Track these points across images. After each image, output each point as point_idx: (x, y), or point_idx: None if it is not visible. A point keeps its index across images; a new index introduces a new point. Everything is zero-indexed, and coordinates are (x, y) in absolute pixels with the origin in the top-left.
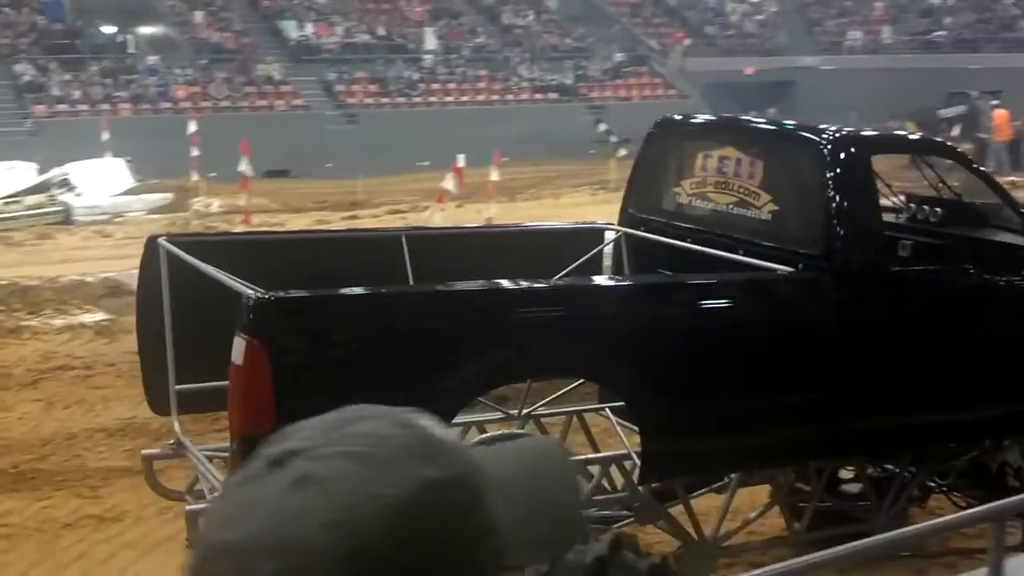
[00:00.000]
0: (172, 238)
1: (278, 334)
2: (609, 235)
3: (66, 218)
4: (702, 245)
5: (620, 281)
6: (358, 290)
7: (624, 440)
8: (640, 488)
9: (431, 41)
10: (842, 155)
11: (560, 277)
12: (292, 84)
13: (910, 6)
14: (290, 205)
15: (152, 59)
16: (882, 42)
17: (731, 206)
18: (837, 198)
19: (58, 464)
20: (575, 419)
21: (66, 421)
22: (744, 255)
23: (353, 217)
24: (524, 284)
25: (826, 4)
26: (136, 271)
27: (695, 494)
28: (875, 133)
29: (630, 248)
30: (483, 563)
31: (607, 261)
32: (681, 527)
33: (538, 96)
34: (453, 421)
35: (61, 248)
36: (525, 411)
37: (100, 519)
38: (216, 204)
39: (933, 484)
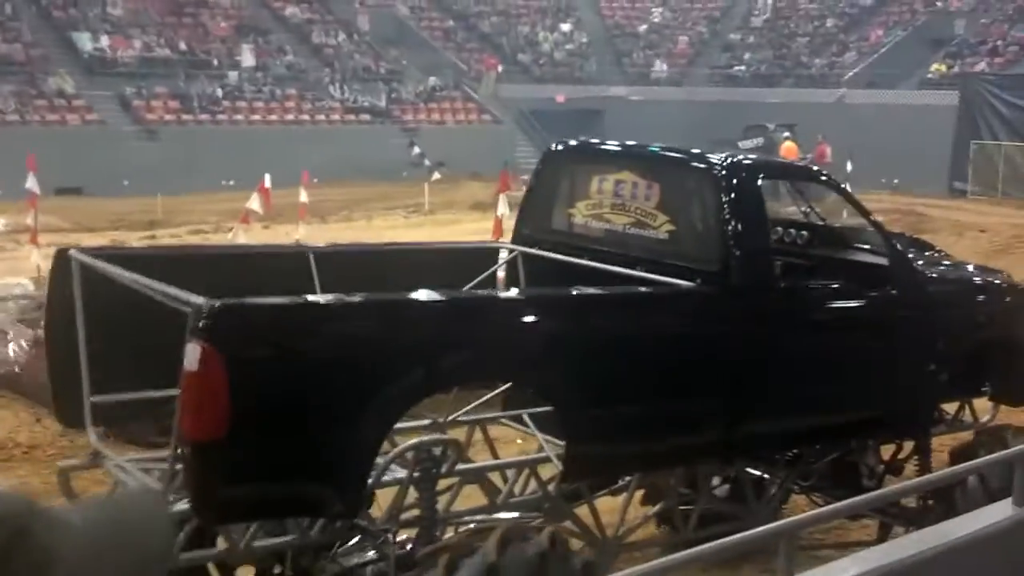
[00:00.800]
0: (84, 251)
1: (234, 340)
2: (503, 254)
3: None
4: (598, 263)
5: (551, 294)
6: (312, 298)
7: (545, 446)
8: (550, 490)
9: (248, 57)
10: (735, 180)
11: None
12: (85, 98)
13: (712, 41)
14: (83, 224)
15: None
16: (686, 75)
17: (627, 226)
18: (732, 219)
19: None
20: (478, 428)
21: None
22: (642, 271)
23: (151, 236)
24: (470, 295)
25: (634, 36)
26: None
27: (597, 495)
28: (764, 161)
29: (525, 266)
30: None
31: (500, 278)
32: (586, 526)
33: (350, 117)
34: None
35: None
36: (450, 418)
37: None
38: (1, 222)
39: (796, 485)
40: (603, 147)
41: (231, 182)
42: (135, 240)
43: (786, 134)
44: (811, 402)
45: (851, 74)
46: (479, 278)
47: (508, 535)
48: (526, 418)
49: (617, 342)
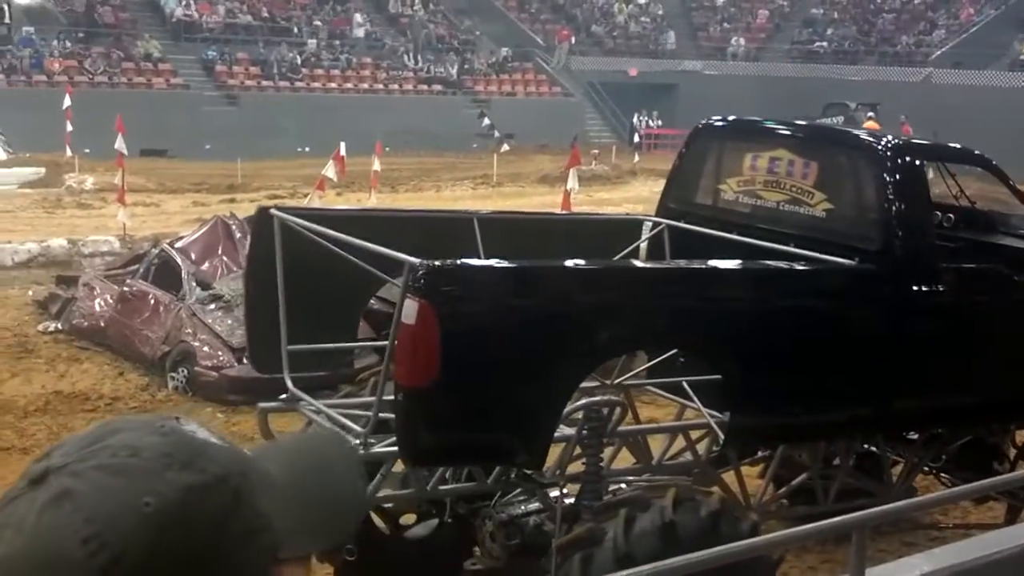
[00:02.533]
0: (283, 209)
1: (447, 298)
2: (647, 226)
3: None
4: (748, 239)
5: (730, 267)
6: (518, 263)
7: (704, 413)
8: (701, 455)
9: (359, 25)
10: (899, 160)
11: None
12: (171, 62)
13: (793, 16)
14: (166, 186)
15: (27, 30)
16: (764, 50)
17: (781, 203)
18: (895, 199)
19: None
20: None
21: None
22: (794, 249)
23: (231, 200)
24: (662, 265)
25: (711, 10)
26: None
27: (744, 462)
28: (926, 142)
29: (670, 240)
30: (251, 561)
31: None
32: (732, 491)
33: (423, 87)
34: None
35: None
36: (617, 381)
37: None
38: (90, 181)
39: (927, 465)
40: (758, 124)
41: (307, 148)
42: (216, 203)
43: (869, 114)
44: (961, 382)
45: (938, 53)
46: (627, 249)
47: (682, 495)
48: (685, 386)
49: (786, 316)
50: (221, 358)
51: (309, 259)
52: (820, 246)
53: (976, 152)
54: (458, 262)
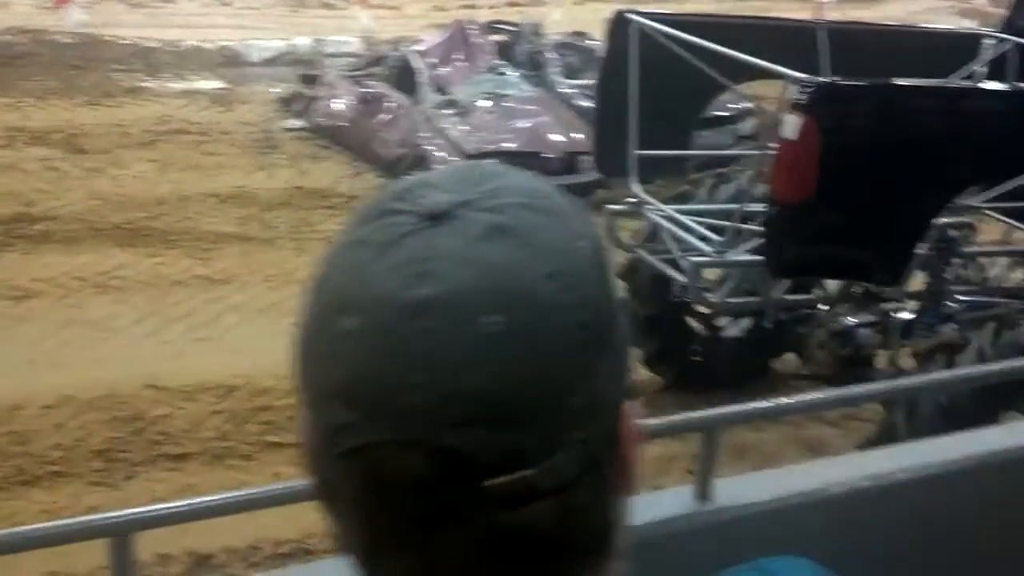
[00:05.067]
0: (641, 14)
1: (831, 115)
2: (988, 43)
3: None
4: None
5: None
6: (897, 81)
7: None
8: None
9: None
10: None
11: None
12: None
13: None
14: None
15: None
16: None
17: None
18: None
19: (171, 224)
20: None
21: (180, 183)
22: None
23: (471, 7)
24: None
25: None
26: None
27: None
28: None
29: (1016, 60)
30: (625, 343)
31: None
32: None
33: None
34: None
35: (181, 13)
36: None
37: (209, 280)
38: None
39: None
40: None
41: None
42: (455, 9)
43: None
44: None
45: None
46: (966, 68)
47: (1002, 322)
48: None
49: None
50: (455, 164)
51: (657, 64)
52: None
53: None
54: (844, 80)
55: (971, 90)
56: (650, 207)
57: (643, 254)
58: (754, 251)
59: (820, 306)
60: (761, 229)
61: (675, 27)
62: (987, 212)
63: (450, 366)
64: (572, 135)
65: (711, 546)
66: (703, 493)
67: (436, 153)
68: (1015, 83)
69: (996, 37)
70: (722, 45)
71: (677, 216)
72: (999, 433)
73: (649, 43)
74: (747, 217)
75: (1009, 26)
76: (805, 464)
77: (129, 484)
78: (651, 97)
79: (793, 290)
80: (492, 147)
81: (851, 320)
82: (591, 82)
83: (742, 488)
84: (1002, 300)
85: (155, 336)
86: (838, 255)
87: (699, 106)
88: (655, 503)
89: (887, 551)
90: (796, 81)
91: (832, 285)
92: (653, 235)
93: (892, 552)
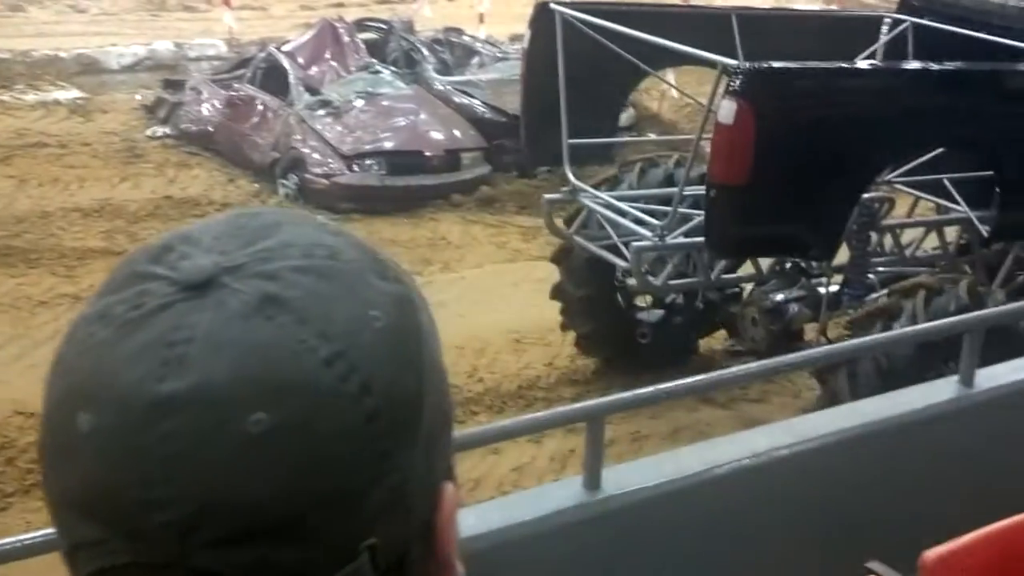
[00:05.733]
0: (565, 4)
1: (764, 99)
2: (888, 22)
3: None
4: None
5: (1004, 69)
6: (825, 65)
7: (967, 209)
8: (950, 248)
9: None
10: None
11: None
12: None
13: None
14: None
15: None
16: None
17: None
18: None
19: (33, 242)
20: None
21: (40, 199)
22: None
23: (339, 4)
24: (948, 68)
25: None
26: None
27: (987, 251)
28: None
29: (914, 38)
30: (447, 403)
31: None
32: (979, 280)
33: None
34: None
35: (33, 21)
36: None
37: (76, 299)
38: None
39: None
40: None
41: None
42: (323, 7)
43: None
44: None
45: None
46: (871, 48)
47: (932, 291)
48: (948, 185)
49: None
50: (332, 165)
51: (581, 54)
52: None
53: None
54: (776, 64)
55: (894, 70)
56: (586, 194)
57: (581, 241)
58: (694, 233)
59: (750, 284)
60: (700, 212)
61: (595, 17)
62: (899, 187)
63: (203, 476)
64: (453, 132)
65: (602, 535)
66: (592, 483)
67: (312, 155)
68: (930, 62)
69: (894, 18)
70: (643, 33)
71: (615, 202)
72: (874, 405)
73: (571, 33)
74: (684, 201)
75: (904, 6)
76: (693, 446)
77: (3, 516)
78: (576, 86)
79: (725, 270)
80: (370, 147)
81: (781, 296)
82: (468, 78)
83: (630, 475)
84: (918, 269)
85: (21, 360)
86: (776, 234)
87: (624, 93)
88: (544, 496)
89: (773, 526)
90: (727, 67)
91: (764, 263)
92: (589, 222)
93: (779, 526)
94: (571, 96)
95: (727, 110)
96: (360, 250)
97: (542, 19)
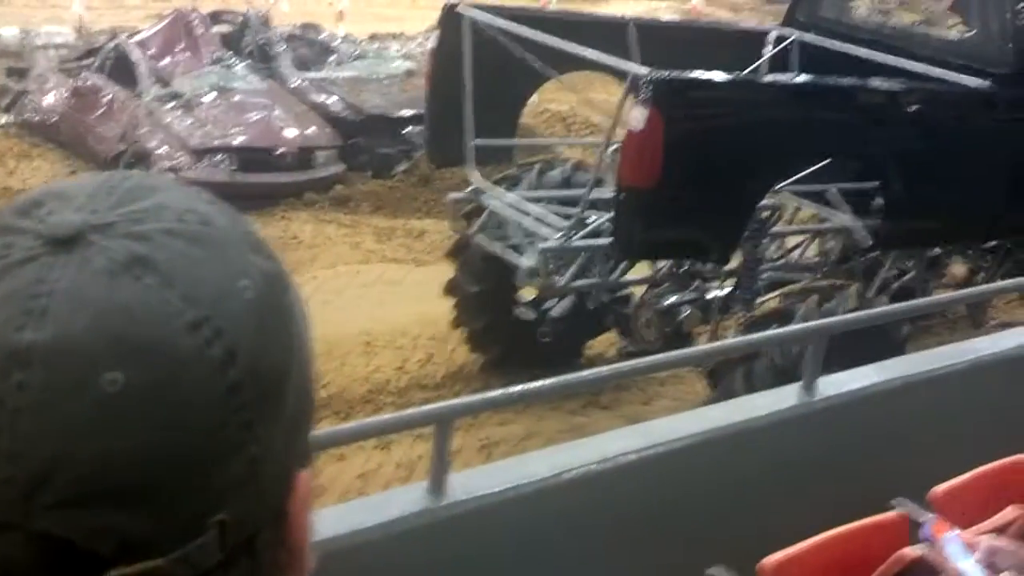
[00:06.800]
0: (475, 7)
1: (672, 107)
2: (773, 35)
3: None
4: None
5: (903, 85)
6: (730, 76)
7: (851, 218)
8: (830, 255)
9: None
10: None
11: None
12: None
13: None
14: None
15: None
16: None
17: (915, 24)
18: None
19: None
20: None
21: None
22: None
23: None
24: (851, 82)
25: None
26: None
27: (865, 259)
28: None
29: (800, 52)
30: (311, 387)
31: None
32: (856, 283)
33: None
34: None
35: None
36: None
37: None
38: None
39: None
40: None
41: None
42: None
43: None
44: None
45: None
46: (758, 62)
47: (823, 295)
48: (834, 193)
49: (935, 130)
50: (180, 159)
51: (486, 56)
52: (949, 68)
53: None
54: (684, 74)
55: (791, 84)
56: (489, 195)
57: (483, 241)
58: (597, 234)
59: (641, 287)
60: (601, 214)
61: (503, 20)
62: (788, 195)
63: (53, 432)
64: (307, 129)
65: (447, 542)
66: (437, 488)
67: (159, 149)
68: (824, 77)
69: (781, 33)
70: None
71: (518, 203)
72: (721, 410)
73: (478, 35)
74: (589, 204)
75: (789, 20)
76: (542, 451)
77: None
78: (480, 87)
79: (622, 272)
80: (219, 142)
81: (673, 298)
82: (325, 75)
83: (476, 480)
84: (804, 274)
85: None
86: (680, 237)
87: (526, 96)
88: (387, 502)
89: (620, 530)
90: (637, 75)
91: (661, 265)
92: (491, 221)
93: (626, 531)
94: (475, 97)
95: (639, 116)
96: (234, 221)
97: (449, 21)
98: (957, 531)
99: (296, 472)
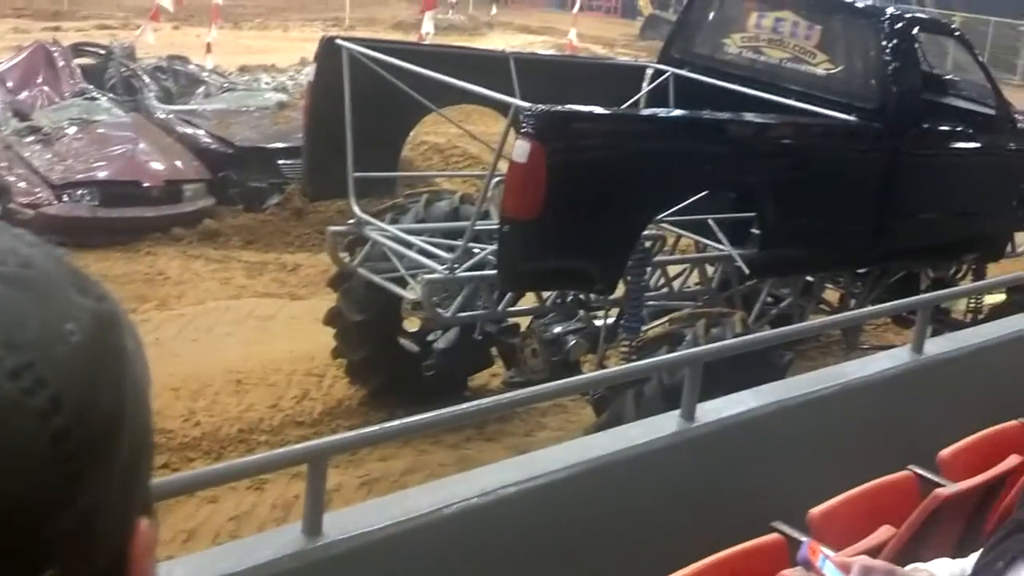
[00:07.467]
0: (352, 40)
1: (555, 139)
2: (649, 72)
3: None
4: (749, 91)
5: (777, 120)
6: (610, 110)
7: (729, 248)
8: (713, 283)
9: None
10: (897, 27)
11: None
12: None
13: None
14: None
15: None
16: None
17: (783, 61)
18: (892, 64)
19: None
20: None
21: None
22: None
23: (56, 28)
24: (728, 117)
25: None
26: None
27: (744, 286)
28: (917, 14)
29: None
30: (148, 431)
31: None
32: (737, 312)
33: None
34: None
35: None
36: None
37: None
38: None
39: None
40: None
41: None
42: (38, 31)
43: None
44: (935, 224)
45: None
46: (636, 96)
47: (711, 320)
48: (712, 224)
49: (805, 162)
50: (39, 195)
51: (366, 89)
52: (817, 102)
53: (951, 24)
54: (567, 107)
55: (670, 118)
56: (372, 227)
57: (366, 273)
58: (482, 266)
59: (527, 317)
60: (484, 246)
61: (382, 54)
62: (666, 226)
63: None
64: (174, 162)
65: None
66: (312, 528)
67: (18, 184)
68: (701, 112)
69: (657, 68)
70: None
71: (402, 235)
72: (601, 439)
73: (357, 68)
74: (475, 235)
75: (665, 57)
76: (421, 487)
77: None
78: (360, 120)
79: (509, 303)
80: (82, 176)
81: (560, 328)
82: (193, 107)
83: (353, 519)
84: (686, 302)
85: None
86: (564, 267)
87: (406, 129)
88: (260, 544)
89: (500, 565)
90: (520, 108)
91: (547, 295)
92: (374, 253)
93: (506, 565)
94: (355, 130)
95: (522, 149)
96: (58, 263)
97: (328, 53)
98: (831, 553)
99: (136, 520)
